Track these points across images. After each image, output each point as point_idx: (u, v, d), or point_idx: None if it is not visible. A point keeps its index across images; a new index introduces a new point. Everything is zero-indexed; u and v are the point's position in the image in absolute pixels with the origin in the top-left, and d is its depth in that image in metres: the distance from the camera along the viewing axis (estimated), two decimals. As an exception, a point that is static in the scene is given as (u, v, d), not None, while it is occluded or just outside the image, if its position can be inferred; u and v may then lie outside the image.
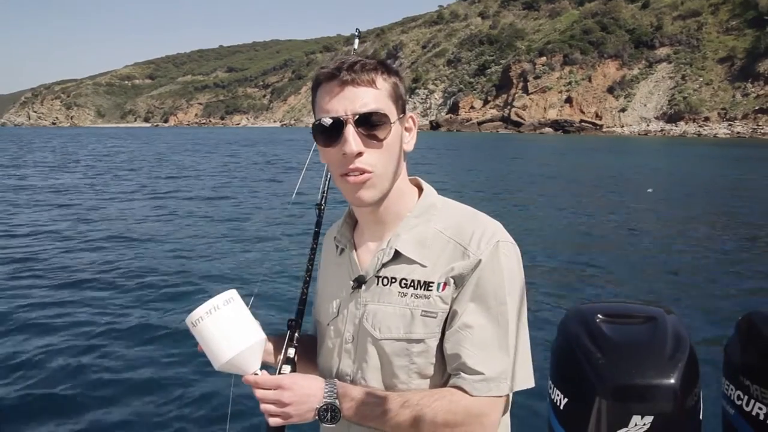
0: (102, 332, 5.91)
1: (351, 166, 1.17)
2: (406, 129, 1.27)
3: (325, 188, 1.43)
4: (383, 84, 1.20)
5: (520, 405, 1.33)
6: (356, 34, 1.48)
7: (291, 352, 1.27)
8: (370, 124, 1.17)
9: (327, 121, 1.17)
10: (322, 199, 1.44)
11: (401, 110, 1.23)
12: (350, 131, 1.15)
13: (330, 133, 1.18)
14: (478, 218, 1.25)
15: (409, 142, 1.28)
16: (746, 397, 1.57)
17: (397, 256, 1.23)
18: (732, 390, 1.63)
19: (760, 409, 1.52)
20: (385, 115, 1.18)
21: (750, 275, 8.16)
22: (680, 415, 1.42)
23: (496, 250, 1.19)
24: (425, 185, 1.33)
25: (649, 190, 12.46)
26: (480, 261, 1.18)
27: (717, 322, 5.89)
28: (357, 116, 1.16)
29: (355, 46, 1.43)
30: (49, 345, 5.57)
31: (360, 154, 1.17)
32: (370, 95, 1.18)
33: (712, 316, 6.17)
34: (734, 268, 8.54)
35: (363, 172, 1.18)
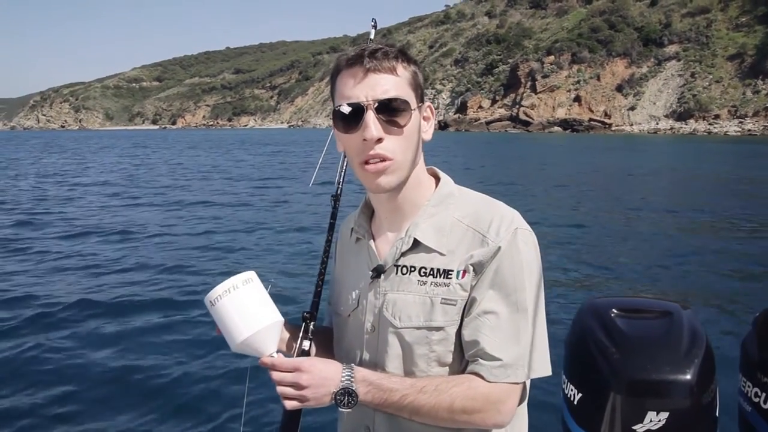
0: (120, 312, 6.11)
1: (371, 153, 1.18)
2: (424, 118, 1.28)
3: (342, 178, 1.42)
4: (403, 72, 1.21)
5: (533, 399, 1.31)
6: (372, 24, 1.46)
7: (306, 344, 1.27)
8: (390, 110, 1.17)
9: (347, 107, 1.17)
10: (338, 190, 1.42)
11: (420, 99, 1.24)
12: (371, 117, 1.16)
13: (350, 119, 1.18)
14: (496, 206, 1.26)
15: (427, 131, 1.29)
16: (764, 394, 1.54)
17: (416, 244, 1.24)
18: (749, 387, 1.60)
19: (778, 406, 1.50)
20: (406, 102, 1.19)
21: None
22: (696, 411, 1.39)
23: (515, 238, 1.20)
24: (442, 175, 1.34)
25: None
26: (499, 248, 1.19)
27: (733, 317, 5.83)
28: (378, 102, 1.16)
29: (372, 36, 1.41)
30: (67, 320, 5.82)
31: (380, 140, 1.17)
32: (391, 82, 1.18)
33: (728, 311, 6.11)
34: (751, 264, 8.46)
35: (383, 158, 1.18)
